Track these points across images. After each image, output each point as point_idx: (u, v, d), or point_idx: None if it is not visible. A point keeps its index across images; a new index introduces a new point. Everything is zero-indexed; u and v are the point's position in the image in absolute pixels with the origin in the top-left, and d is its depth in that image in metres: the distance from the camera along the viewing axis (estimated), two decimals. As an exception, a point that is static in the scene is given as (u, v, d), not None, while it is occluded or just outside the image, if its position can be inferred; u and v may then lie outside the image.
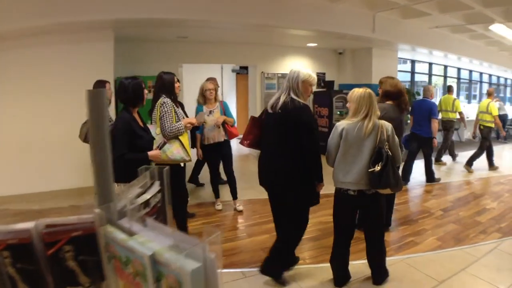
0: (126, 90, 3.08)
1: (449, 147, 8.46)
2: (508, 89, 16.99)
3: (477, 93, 15.94)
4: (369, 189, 2.86)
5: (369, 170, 2.77)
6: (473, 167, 7.67)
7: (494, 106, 7.54)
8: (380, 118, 3.02)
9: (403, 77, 11.94)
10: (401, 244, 4.16)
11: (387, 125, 2.91)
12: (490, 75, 15.46)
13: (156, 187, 1.10)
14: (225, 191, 5.42)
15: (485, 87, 15.65)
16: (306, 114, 2.91)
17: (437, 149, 7.94)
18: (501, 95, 11.78)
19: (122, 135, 2.98)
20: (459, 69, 13.58)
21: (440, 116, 7.91)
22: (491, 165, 7.81)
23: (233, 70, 11.08)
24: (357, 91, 2.92)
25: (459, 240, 4.27)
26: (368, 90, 2.93)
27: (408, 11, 7.16)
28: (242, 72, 10.75)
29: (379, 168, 2.73)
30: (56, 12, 4.86)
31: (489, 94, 7.96)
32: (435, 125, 6.27)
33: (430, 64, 12.16)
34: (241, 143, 3.34)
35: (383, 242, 3.22)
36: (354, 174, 2.85)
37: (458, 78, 13.98)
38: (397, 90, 4.06)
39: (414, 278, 3.38)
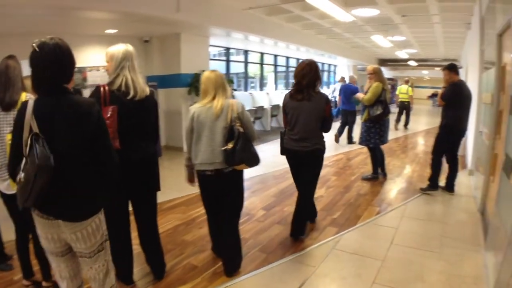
0: None
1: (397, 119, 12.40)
2: (325, 73, 18.33)
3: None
4: (226, 167, 2.88)
5: (222, 148, 2.83)
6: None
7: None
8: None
9: (217, 66, 11.47)
10: (215, 267, 3.12)
11: (237, 104, 2.95)
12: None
13: None
14: None
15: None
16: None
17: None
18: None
19: None
20: (275, 56, 13.86)
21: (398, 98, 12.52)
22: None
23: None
24: (204, 74, 2.97)
25: (287, 247, 3.49)
26: (215, 72, 2.97)
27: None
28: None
29: (231, 145, 2.79)
30: None
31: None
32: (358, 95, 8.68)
33: (246, 51, 11.94)
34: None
35: (238, 228, 3.16)
36: (209, 154, 2.88)
37: (275, 65, 14.27)
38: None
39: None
